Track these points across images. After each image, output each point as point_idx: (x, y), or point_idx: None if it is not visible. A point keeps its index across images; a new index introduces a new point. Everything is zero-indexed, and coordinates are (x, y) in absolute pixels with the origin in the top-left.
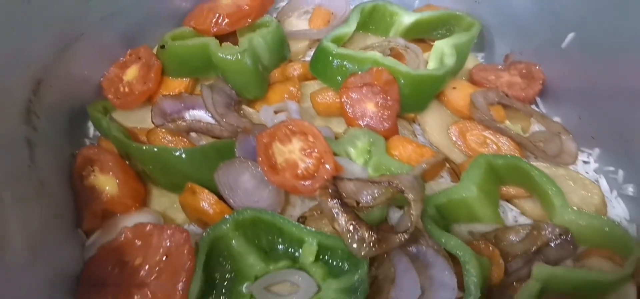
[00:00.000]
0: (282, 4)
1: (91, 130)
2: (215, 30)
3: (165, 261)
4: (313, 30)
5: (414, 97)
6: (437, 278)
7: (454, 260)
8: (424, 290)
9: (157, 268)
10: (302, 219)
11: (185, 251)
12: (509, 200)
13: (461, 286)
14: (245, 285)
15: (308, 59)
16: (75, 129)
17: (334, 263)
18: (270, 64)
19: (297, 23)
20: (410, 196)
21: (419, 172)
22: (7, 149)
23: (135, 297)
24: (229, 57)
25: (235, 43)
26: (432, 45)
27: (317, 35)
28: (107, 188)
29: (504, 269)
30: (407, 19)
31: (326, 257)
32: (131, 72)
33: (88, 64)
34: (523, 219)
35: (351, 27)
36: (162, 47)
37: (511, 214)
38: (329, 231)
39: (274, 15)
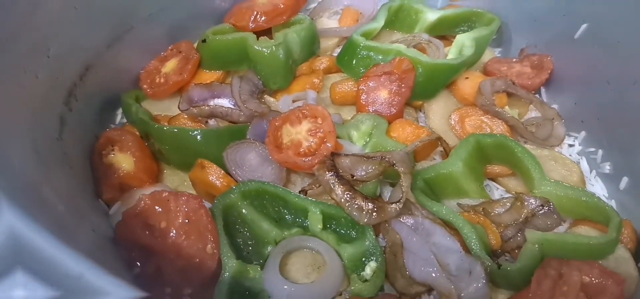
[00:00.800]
0: (313, 5)
1: (118, 118)
2: (253, 26)
3: (187, 223)
4: (343, 28)
5: (428, 85)
6: (442, 244)
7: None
8: (435, 256)
9: (183, 230)
10: (303, 193)
11: (203, 215)
12: (493, 178)
13: (465, 249)
14: (268, 249)
15: (336, 54)
16: (104, 114)
17: (342, 230)
18: (299, 59)
19: (328, 22)
20: (401, 169)
21: (412, 149)
22: (42, 121)
23: (171, 258)
24: (265, 49)
25: (270, 38)
26: (453, 41)
27: (346, 33)
28: (123, 165)
29: (500, 237)
30: (431, 16)
31: (333, 225)
32: (170, 65)
33: (133, 56)
34: (507, 196)
35: (379, 23)
36: (204, 41)
37: (498, 192)
38: (330, 203)
39: (308, 14)
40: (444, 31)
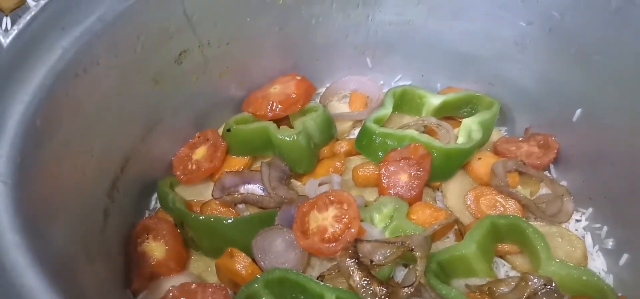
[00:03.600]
0: (322, 89)
1: (152, 202)
2: (271, 115)
3: None
4: (355, 113)
5: (444, 168)
6: None
7: None
8: None
9: None
10: (321, 278)
11: None
12: (502, 256)
13: None
14: None
15: (352, 136)
16: (141, 201)
17: None
18: (320, 142)
19: (339, 106)
20: (418, 254)
21: (430, 233)
22: (88, 217)
23: None
24: (287, 138)
25: (288, 125)
26: (460, 122)
27: (359, 117)
28: (155, 253)
29: None
30: (435, 100)
31: None
32: (200, 152)
33: (164, 145)
34: (513, 273)
35: (388, 109)
36: (229, 130)
37: (503, 269)
38: (345, 288)
39: (317, 100)
40: (448, 113)
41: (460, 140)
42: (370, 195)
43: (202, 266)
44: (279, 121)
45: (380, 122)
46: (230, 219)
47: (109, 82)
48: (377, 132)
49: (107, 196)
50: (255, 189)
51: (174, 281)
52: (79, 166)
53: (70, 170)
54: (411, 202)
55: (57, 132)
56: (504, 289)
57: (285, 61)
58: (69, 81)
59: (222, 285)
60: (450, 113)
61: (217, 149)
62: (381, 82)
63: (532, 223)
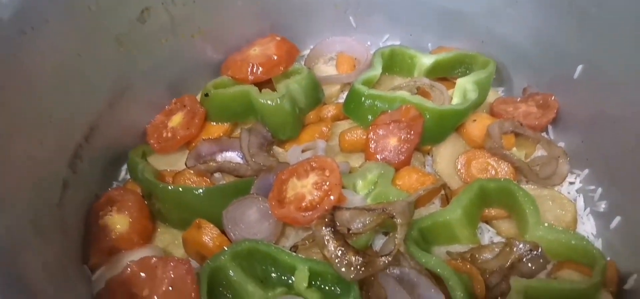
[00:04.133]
0: (306, 51)
1: (122, 173)
2: (252, 78)
3: (170, 291)
4: (343, 75)
5: (437, 131)
6: (426, 296)
7: (436, 280)
8: None
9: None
10: (294, 249)
11: (189, 281)
12: (488, 221)
13: None
14: None
15: (341, 100)
16: (108, 172)
17: (326, 287)
18: (306, 107)
19: (326, 69)
20: (399, 221)
21: (413, 199)
22: (43, 188)
23: None
24: (270, 102)
25: (271, 89)
26: (453, 83)
27: (346, 79)
28: (118, 226)
29: (485, 285)
30: (426, 60)
31: (318, 282)
32: (176, 119)
33: (136, 112)
34: (497, 239)
35: (378, 70)
36: (207, 95)
37: (488, 235)
38: (319, 258)
39: (302, 62)
40: (441, 74)
41: (455, 101)
42: (357, 161)
43: (168, 239)
44: (261, 85)
45: (369, 83)
46: (201, 188)
47: (64, 43)
48: (366, 94)
49: (69, 167)
50: (233, 156)
51: (135, 255)
52: (35, 135)
53: (24, 141)
54: (398, 167)
55: (6, 99)
56: (487, 255)
57: (261, 22)
58: (14, 40)
59: (183, 258)
60: (444, 74)
61: (195, 115)
62: (368, 43)
63: (523, 187)
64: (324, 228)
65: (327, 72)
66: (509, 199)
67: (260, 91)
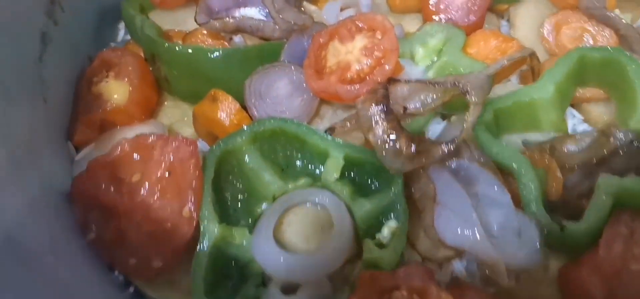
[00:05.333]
0: None
1: (121, 34)
2: None
3: (167, 177)
4: None
5: None
6: (486, 195)
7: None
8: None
9: (158, 186)
10: (330, 131)
11: (191, 167)
12: (577, 105)
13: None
14: (263, 206)
15: None
16: (102, 30)
17: (362, 180)
18: None
19: None
20: (473, 99)
21: (495, 70)
22: (16, 38)
23: (137, 220)
24: None
25: None
26: None
27: None
28: (115, 96)
29: (562, 184)
30: None
31: (352, 174)
32: None
33: None
34: (582, 128)
35: None
36: None
37: (571, 121)
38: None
39: None
40: None
41: None
42: (411, 24)
43: (177, 115)
44: None
45: None
46: (217, 50)
47: None
48: None
49: (46, 15)
50: (254, 12)
51: (132, 132)
52: None
53: None
54: (469, 31)
55: None
56: (571, 146)
57: None
58: None
59: (189, 139)
60: None
61: None
62: None
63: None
64: (374, 105)
65: None
66: (615, 74)
67: None
